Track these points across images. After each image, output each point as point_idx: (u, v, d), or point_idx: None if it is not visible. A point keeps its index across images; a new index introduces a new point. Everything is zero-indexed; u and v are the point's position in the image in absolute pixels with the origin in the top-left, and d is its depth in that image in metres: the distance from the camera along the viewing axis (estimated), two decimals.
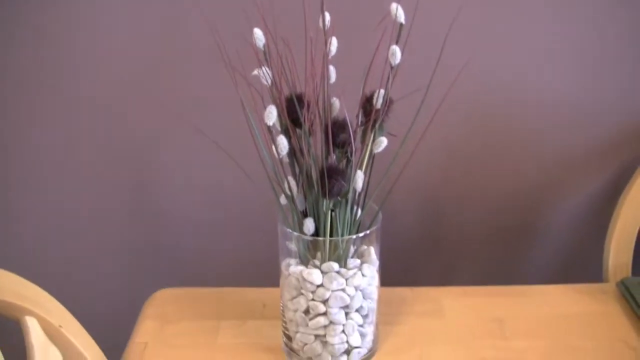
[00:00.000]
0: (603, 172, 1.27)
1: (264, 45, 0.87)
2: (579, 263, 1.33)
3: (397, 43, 0.86)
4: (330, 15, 0.87)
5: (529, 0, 1.14)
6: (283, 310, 0.96)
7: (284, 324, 0.96)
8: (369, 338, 0.95)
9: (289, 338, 0.96)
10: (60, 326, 0.91)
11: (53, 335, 0.91)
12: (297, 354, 0.95)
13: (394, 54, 0.86)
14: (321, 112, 0.89)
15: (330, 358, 0.93)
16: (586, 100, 1.21)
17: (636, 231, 1.17)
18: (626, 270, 1.17)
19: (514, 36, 1.17)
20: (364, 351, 0.95)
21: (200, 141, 1.17)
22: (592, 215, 1.29)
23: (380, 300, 0.97)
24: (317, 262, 0.90)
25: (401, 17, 0.85)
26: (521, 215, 1.30)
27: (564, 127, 1.22)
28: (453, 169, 1.26)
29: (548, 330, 1.02)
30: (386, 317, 1.03)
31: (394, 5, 0.84)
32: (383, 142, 0.89)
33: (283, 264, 0.94)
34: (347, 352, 0.93)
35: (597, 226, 1.23)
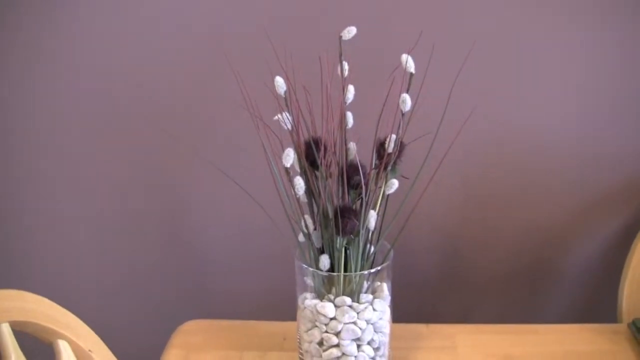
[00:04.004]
0: (617, 217, 1.30)
1: (284, 92, 0.93)
2: (594, 305, 1.36)
3: (407, 91, 0.92)
4: (348, 64, 0.93)
5: (540, 43, 1.20)
6: (299, 342, 1.01)
7: (300, 356, 1.01)
8: None
9: None
10: (90, 350, 0.97)
11: (83, 358, 0.97)
12: None
13: (404, 101, 0.91)
14: (337, 155, 0.95)
15: None
16: (599, 146, 1.25)
17: None
18: None
19: (526, 80, 1.22)
20: None
21: (226, 182, 1.23)
22: (607, 258, 1.32)
23: (395, 335, 1.02)
24: (332, 297, 0.95)
25: (411, 67, 0.91)
26: (537, 258, 1.33)
27: (579, 172, 1.26)
28: (470, 212, 1.31)
29: None
30: (400, 352, 1.07)
31: (404, 56, 0.90)
32: (394, 184, 0.94)
33: (300, 298, 0.99)
34: None
35: (612, 269, 1.26)
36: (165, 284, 1.40)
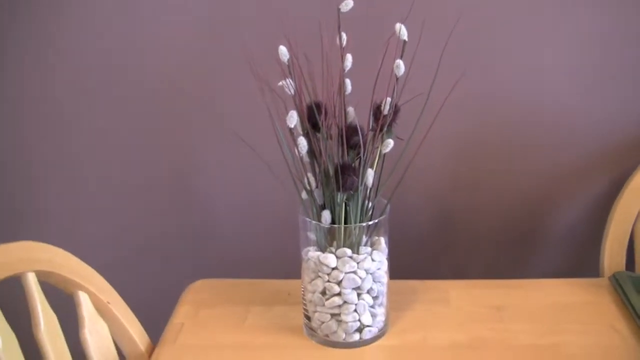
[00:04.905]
0: (600, 181, 1.37)
1: (288, 60, 1.00)
2: (580, 261, 1.43)
3: (401, 57, 0.99)
4: (346, 34, 1.00)
5: (530, 6, 1.26)
6: (303, 293, 1.08)
7: (304, 306, 1.09)
8: (380, 318, 1.07)
9: (309, 318, 1.08)
10: (108, 302, 1.05)
11: (102, 310, 1.05)
12: (315, 332, 1.07)
13: (398, 66, 0.99)
14: (337, 118, 1.02)
15: (344, 335, 1.05)
16: (587, 108, 1.32)
17: (628, 233, 1.28)
18: (620, 269, 1.27)
19: (516, 43, 1.29)
20: (375, 330, 1.07)
21: (234, 143, 1.31)
22: (592, 217, 1.39)
23: (392, 291, 1.10)
24: (333, 249, 1.03)
25: (404, 35, 0.98)
26: (527, 217, 1.41)
27: (569, 132, 1.34)
28: (463, 174, 1.38)
29: (542, 316, 1.13)
30: (398, 305, 1.15)
31: (397, 25, 0.98)
32: (390, 144, 1.02)
33: (303, 252, 1.06)
34: (360, 330, 1.06)
35: (597, 227, 1.34)
36: (176, 245, 1.47)
